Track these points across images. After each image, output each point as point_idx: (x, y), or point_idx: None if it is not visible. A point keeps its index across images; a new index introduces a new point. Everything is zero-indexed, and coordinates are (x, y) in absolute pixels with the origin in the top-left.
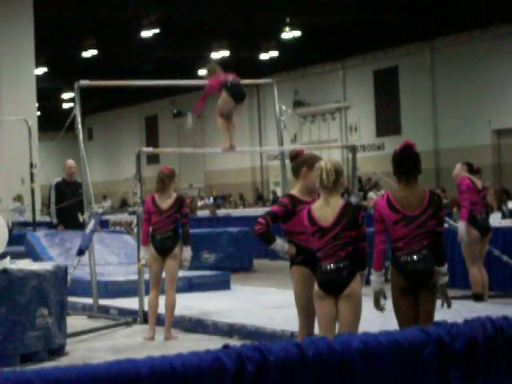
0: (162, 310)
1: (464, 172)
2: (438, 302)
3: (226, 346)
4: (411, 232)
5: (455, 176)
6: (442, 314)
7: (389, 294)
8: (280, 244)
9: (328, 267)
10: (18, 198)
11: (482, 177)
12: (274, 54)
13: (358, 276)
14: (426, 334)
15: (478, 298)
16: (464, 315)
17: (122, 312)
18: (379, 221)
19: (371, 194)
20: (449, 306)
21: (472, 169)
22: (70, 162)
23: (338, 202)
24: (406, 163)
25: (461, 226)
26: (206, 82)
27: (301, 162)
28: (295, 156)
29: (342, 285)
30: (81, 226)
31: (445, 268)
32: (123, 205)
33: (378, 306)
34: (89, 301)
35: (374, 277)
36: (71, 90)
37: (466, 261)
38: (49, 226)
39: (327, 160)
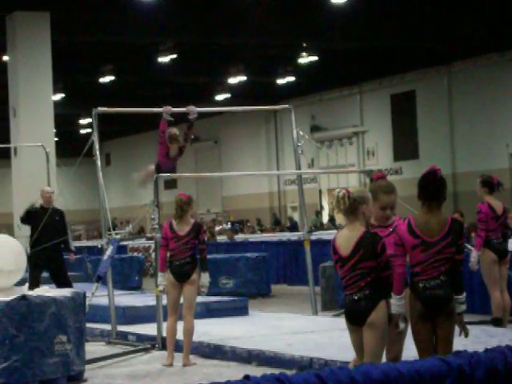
0: (180, 335)
1: (485, 194)
2: (457, 329)
3: (246, 377)
4: (429, 258)
5: (479, 196)
6: (461, 339)
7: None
8: None
9: (349, 298)
10: None
11: (504, 189)
12: (291, 78)
13: (382, 304)
14: (446, 364)
15: (497, 322)
16: (483, 341)
17: (141, 338)
18: (399, 244)
19: None
20: (466, 335)
21: (492, 187)
22: (47, 187)
23: (358, 231)
24: (428, 188)
25: (473, 254)
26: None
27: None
28: (371, 180)
29: (363, 315)
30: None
31: (463, 297)
32: (141, 232)
33: (397, 329)
34: (107, 327)
35: (394, 300)
36: (89, 115)
37: (488, 285)
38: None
39: (349, 187)
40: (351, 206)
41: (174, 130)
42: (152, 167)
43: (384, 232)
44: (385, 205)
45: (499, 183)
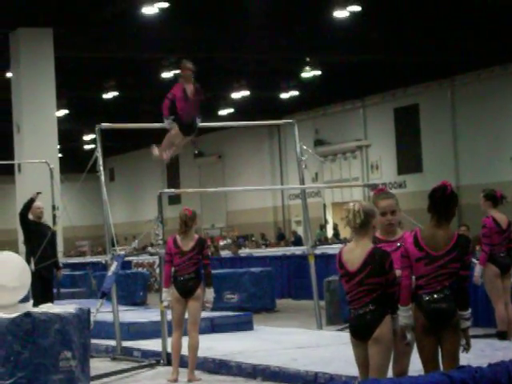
0: (185, 351)
1: (489, 208)
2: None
3: None
4: (432, 271)
5: (483, 210)
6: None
7: None
8: None
9: (354, 313)
10: None
11: (507, 202)
12: (295, 93)
13: (387, 319)
14: (449, 379)
15: (502, 335)
16: (488, 354)
17: (146, 354)
18: (405, 256)
19: None
20: (466, 351)
21: (496, 201)
22: (37, 202)
23: (367, 246)
24: (437, 203)
25: (477, 269)
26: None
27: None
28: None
29: (369, 330)
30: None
31: (468, 313)
32: (145, 248)
33: (405, 340)
34: (112, 343)
35: (401, 312)
36: (92, 131)
37: (492, 298)
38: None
39: (360, 201)
40: (364, 220)
41: (188, 63)
42: (173, 131)
43: (390, 247)
44: (383, 210)
45: (503, 196)
